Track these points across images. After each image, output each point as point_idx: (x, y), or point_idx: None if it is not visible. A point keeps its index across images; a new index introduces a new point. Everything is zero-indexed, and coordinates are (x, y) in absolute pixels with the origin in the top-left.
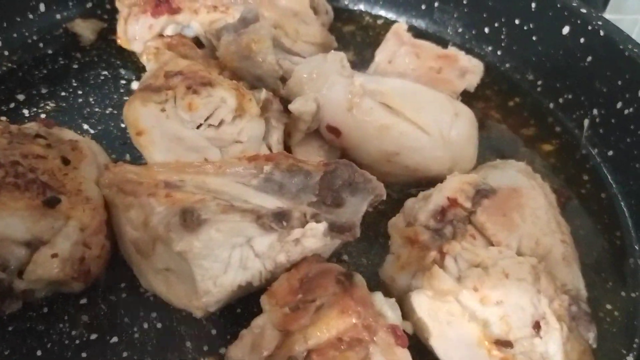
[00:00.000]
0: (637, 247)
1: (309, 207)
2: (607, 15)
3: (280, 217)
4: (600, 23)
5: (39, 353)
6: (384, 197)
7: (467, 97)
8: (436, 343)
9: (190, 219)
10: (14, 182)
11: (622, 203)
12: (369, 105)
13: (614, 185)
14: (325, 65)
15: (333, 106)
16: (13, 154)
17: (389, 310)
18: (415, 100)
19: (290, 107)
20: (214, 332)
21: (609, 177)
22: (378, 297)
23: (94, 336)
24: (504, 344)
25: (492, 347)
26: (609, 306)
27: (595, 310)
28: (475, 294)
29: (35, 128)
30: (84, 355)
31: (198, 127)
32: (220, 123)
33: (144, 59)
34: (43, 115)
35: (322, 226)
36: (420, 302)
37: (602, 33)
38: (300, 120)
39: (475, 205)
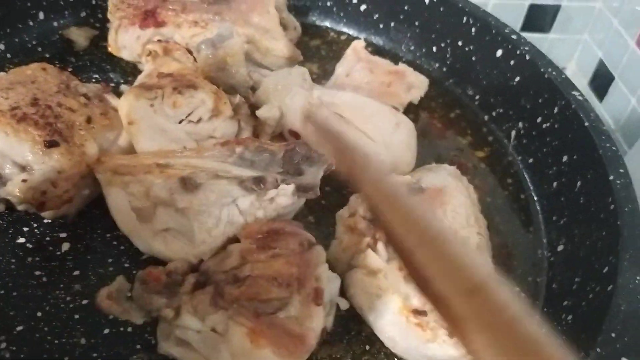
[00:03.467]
0: (544, 241)
1: (278, 175)
2: (552, 35)
3: (258, 181)
4: (527, 48)
5: (39, 314)
6: (334, 167)
7: (414, 108)
8: (367, 313)
9: (189, 183)
10: (36, 120)
11: (536, 203)
12: (325, 114)
13: (531, 188)
14: (289, 78)
15: (294, 114)
16: (52, 100)
17: (325, 279)
18: (363, 112)
19: (257, 113)
20: None
21: (528, 180)
22: (323, 267)
23: (85, 302)
24: (420, 312)
25: (410, 314)
26: (518, 289)
27: None
28: (399, 272)
29: (92, 89)
30: (76, 317)
31: (180, 122)
32: (199, 120)
33: (142, 60)
34: None
35: (291, 187)
36: (356, 278)
37: (527, 57)
38: (266, 124)
39: None
